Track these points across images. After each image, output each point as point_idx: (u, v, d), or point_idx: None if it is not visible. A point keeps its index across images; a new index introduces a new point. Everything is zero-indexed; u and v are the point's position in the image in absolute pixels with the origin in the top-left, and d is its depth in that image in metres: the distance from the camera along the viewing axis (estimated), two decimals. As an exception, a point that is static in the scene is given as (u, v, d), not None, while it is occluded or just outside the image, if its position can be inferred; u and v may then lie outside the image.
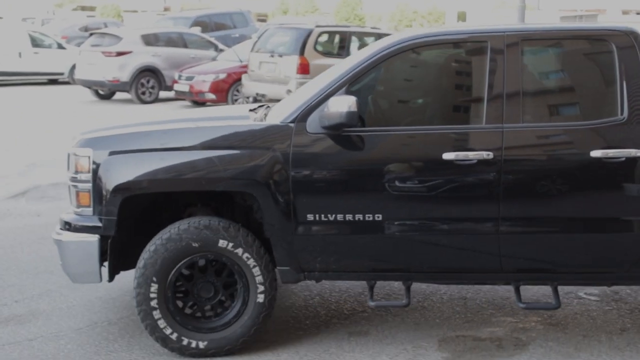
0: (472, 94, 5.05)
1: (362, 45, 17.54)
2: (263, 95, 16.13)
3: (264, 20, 47.02)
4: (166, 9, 58.34)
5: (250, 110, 5.66)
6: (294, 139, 4.82)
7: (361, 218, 4.80)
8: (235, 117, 5.57)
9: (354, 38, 17.20)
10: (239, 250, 4.87)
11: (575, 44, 5.06)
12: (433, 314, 5.66)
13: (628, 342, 5.18)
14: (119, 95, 20.84)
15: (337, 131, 4.75)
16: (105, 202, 4.90)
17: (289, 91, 15.51)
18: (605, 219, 4.78)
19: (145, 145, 4.98)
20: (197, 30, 23.88)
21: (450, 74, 5.34)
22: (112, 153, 4.94)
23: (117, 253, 5.08)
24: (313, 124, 4.83)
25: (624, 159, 4.67)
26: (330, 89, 4.87)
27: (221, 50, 21.16)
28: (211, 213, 5.29)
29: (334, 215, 4.81)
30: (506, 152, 4.71)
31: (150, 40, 20.36)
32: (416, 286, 6.18)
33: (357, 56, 5.18)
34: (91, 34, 21.92)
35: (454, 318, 5.60)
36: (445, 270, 5.00)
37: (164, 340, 4.93)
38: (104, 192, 4.90)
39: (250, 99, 16.93)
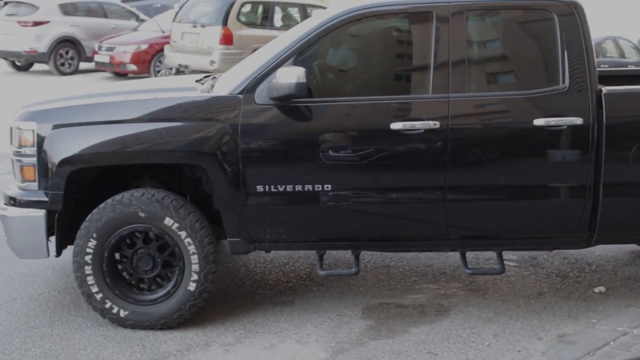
0: (419, 64, 5.05)
1: (286, 15, 17.46)
2: (186, 66, 15.94)
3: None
4: (85, -22, 56.85)
5: (197, 81, 5.58)
6: (243, 110, 4.79)
7: (310, 189, 4.82)
8: (181, 88, 5.48)
9: (277, 8, 17.10)
10: (182, 233, 4.83)
11: (519, 14, 5.10)
12: (357, 283, 5.72)
13: (545, 305, 5.33)
14: (37, 66, 20.32)
15: (285, 102, 4.74)
16: (51, 176, 4.83)
17: (212, 62, 15.36)
18: (548, 185, 4.89)
19: (91, 118, 4.90)
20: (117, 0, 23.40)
21: (396, 44, 5.34)
22: (57, 126, 4.86)
23: (65, 227, 5.02)
24: (261, 95, 4.80)
25: (565, 126, 4.77)
26: (278, 60, 4.85)
27: (142, 21, 20.80)
28: (159, 186, 5.25)
29: (283, 186, 4.82)
30: (452, 121, 4.76)
31: (69, 9, 19.86)
32: (340, 255, 6.25)
33: (304, 26, 5.16)
34: (6, 3, 21.23)
35: (377, 286, 5.68)
36: (393, 239, 5.06)
37: (88, 297, 4.91)
38: (50, 166, 4.83)
39: (173, 70, 16.71)
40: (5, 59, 20.04)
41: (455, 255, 6.18)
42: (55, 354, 4.63)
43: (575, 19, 4.86)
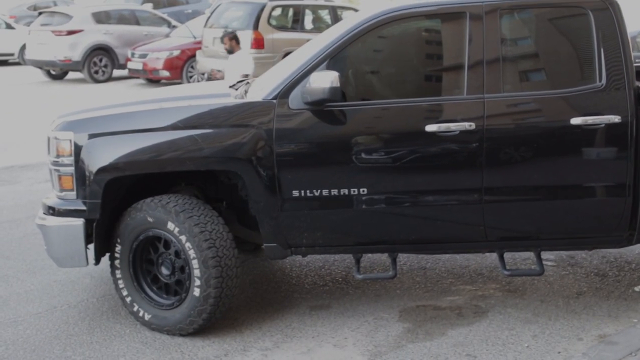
0: (453, 65, 5.00)
1: (316, 18, 17.49)
2: (219, 71, 15.99)
3: (216, -5, 46.50)
4: (117, -14, 57.36)
5: (230, 86, 5.59)
6: (277, 115, 4.80)
7: (346, 192, 4.82)
8: (216, 94, 5.48)
9: (307, 11, 17.13)
10: (183, 238, 4.85)
11: (553, 12, 5.03)
12: (393, 285, 5.70)
13: (584, 305, 5.27)
14: (71, 74, 20.53)
15: (319, 107, 4.73)
16: (89, 185, 4.89)
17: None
18: (587, 184, 4.83)
19: (127, 127, 4.95)
20: (149, 6, 23.61)
21: (430, 45, 5.31)
22: (93, 135, 4.93)
23: (103, 235, 5.06)
24: (295, 100, 4.80)
25: (603, 125, 4.70)
26: (312, 65, 4.84)
27: (174, 27, 20.93)
28: (196, 192, 5.32)
29: (319, 191, 4.82)
30: (488, 122, 4.72)
31: (102, 18, 20.06)
32: (375, 257, 6.23)
33: (336, 30, 5.15)
34: (40, 13, 21.54)
35: (414, 288, 5.65)
36: (430, 241, 5.02)
37: (122, 300, 5.11)
38: (87, 175, 4.89)
39: (205, 76, 16.79)
40: (40, 68, 20.27)
41: (492, 256, 6.14)
42: (94, 361, 4.68)
43: (611, 15, 4.78)
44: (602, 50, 4.77)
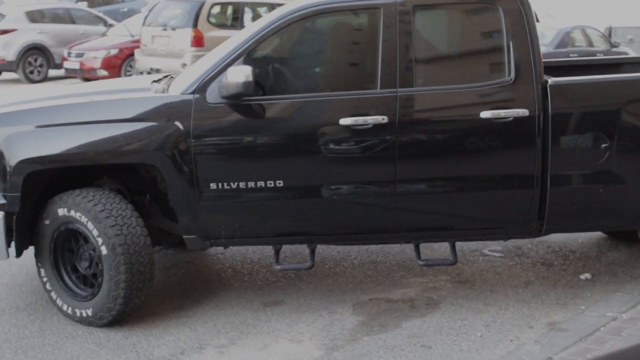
0: (368, 60, 5.09)
1: (256, 16, 17.41)
2: (158, 70, 15.83)
3: (151, -7, 45.97)
4: (48, -16, 56.31)
5: (154, 81, 5.58)
6: (195, 109, 4.86)
7: (263, 185, 4.90)
8: (136, 89, 5.51)
9: (247, 9, 17.04)
10: (91, 226, 4.90)
11: (466, 8, 5.17)
12: (345, 279, 5.74)
13: (533, 294, 5.39)
14: (5, 75, 20.07)
15: (235, 100, 4.81)
16: (9, 179, 4.92)
17: (184, 64, 15.28)
18: (497, 176, 4.96)
19: (45, 121, 5.01)
20: (84, 5, 23.28)
21: (346, 41, 5.38)
22: (13, 130, 4.96)
23: (25, 228, 5.08)
24: (212, 94, 4.87)
25: (512, 118, 4.83)
26: (229, 59, 4.92)
27: (111, 25, 20.64)
28: (118, 186, 5.33)
29: (236, 183, 4.89)
30: (400, 115, 4.83)
31: (36, 16, 19.67)
32: (327, 252, 6.27)
33: (255, 26, 5.21)
34: (-29, 13, 21.00)
35: (366, 282, 5.70)
36: (346, 232, 5.15)
37: (46, 292, 5.19)
38: (7, 169, 4.92)
39: (144, 74, 16.60)
40: (-29, 68, 19.79)
41: (441, 249, 6.23)
42: (48, 363, 4.60)
43: (520, 11, 4.92)
44: (511, 45, 4.89)
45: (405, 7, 4.92)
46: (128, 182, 5.38)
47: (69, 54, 18.08)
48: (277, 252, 5.23)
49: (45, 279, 5.12)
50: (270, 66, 5.15)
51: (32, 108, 5.15)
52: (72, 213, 4.92)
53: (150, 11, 17.11)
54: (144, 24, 16.74)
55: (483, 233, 5.23)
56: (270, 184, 4.89)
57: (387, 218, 5.02)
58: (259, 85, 4.94)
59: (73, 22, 20.52)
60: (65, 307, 5.08)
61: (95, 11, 22.14)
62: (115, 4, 26.40)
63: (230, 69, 4.76)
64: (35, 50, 19.15)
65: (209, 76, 4.92)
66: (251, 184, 4.89)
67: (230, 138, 4.91)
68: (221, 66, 4.91)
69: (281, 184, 4.89)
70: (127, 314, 5.01)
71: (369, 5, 5.01)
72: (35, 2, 23.50)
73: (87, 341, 4.85)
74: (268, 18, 5.14)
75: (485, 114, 4.82)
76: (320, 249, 6.36)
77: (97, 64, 17.51)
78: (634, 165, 4.93)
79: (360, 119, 4.82)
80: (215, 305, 5.34)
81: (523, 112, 4.82)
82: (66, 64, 18.21)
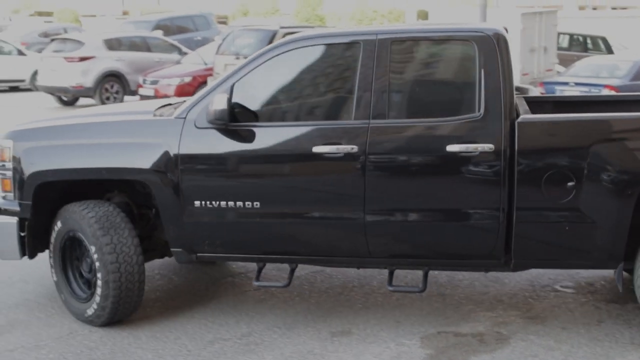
0: (344, 92, 5.35)
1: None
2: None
3: (224, 23, 46.76)
4: (125, 13, 57.81)
5: (167, 105, 5.93)
6: (184, 132, 5.27)
7: (241, 205, 5.22)
8: (140, 112, 5.98)
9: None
10: (88, 242, 5.37)
11: (442, 44, 5.34)
12: (413, 311, 5.70)
13: (606, 333, 5.26)
14: (82, 100, 20.62)
15: (217, 126, 5.18)
16: (23, 188, 5.54)
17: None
18: (464, 209, 5.02)
19: (57, 139, 5.63)
20: (159, 33, 23.75)
21: (325, 73, 5.62)
22: (28, 145, 5.60)
23: (38, 233, 5.67)
24: (200, 119, 5.27)
25: (478, 153, 4.90)
26: (216, 88, 5.32)
27: (185, 54, 21.04)
28: (126, 199, 5.79)
29: (217, 202, 5.25)
30: (370, 146, 5.01)
31: (113, 44, 20.19)
32: (394, 283, 6.23)
33: (248, 58, 5.56)
34: (52, 40, 21.68)
35: (434, 314, 5.65)
36: (319, 255, 5.37)
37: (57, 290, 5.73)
38: (22, 180, 5.54)
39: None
40: (52, 94, 20.38)
41: (511, 283, 6.15)
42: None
43: (494, 48, 5.00)
44: (482, 82, 4.98)
45: (384, 42, 5.14)
46: (135, 197, 5.77)
47: (144, 81, 18.49)
48: (259, 270, 5.52)
49: (55, 280, 5.65)
50: (254, 95, 5.41)
51: (46, 126, 5.83)
52: (72, 222, 5.40)
53: (223, 40, 17.43)
54: (217, 52, 17.05)
55: (453, 264, 5.37)
56: (248, 204, 5.20)
57: (358, 244, 5.17)
58: (250, 112, 5.29)
59: (149, 50, 20.99)
60: (71, 307, 5.62)
61: (170, 40, 22.60)
62: (190, 33, 26.92)
63: (212, 97, 5.19)
64: (112, 77, 19.62)
65: (199, 102, 5.32)
66: (231, 204, 5.23)
67: (212, 160, 5.31)
68: (209, 94, 5.31)
69: (257, 206, 5.18)
70: (121, 314, 5.45)
71: (350, 40, 5.29)
72: (114, 30, 24.19)
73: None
74: (260, 50, 5.50)
75: (452, 148, 4.92)
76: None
77: (170, 91, 17.84)
78: (600, 206, 4.86)
79: (332, 148, 5.04)
80: (282, 334, 5.36)
81: (489, 147, 4.88)
82: (141, 91, 18.61)
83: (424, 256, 5.24)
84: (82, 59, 19.31)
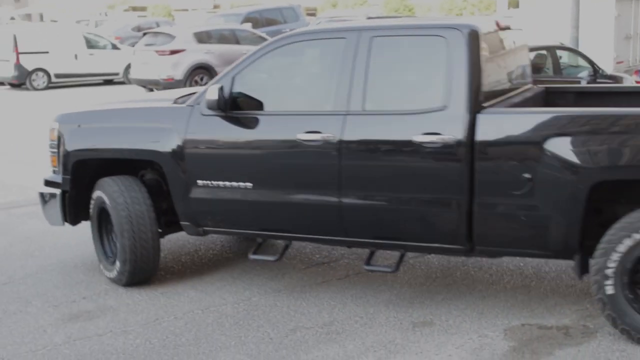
0: (328, 84, 5.66)
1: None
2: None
3: (313, 15, 47.03)
4: (216, 7, 58.73)
5: (193, 93, 6.29)
6: (191, 118, 5.89)
7: (236, 185, 5.77)
8: (163, 99, 6.60)
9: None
10: (111, 211, 6.08)
11: (417, 40, 5.59)
12: (497, 303, 5.62)
13: (699, 328, 5.07)
14: (173, 93, 21.06)
15: (216, 113, 5.74)
16: (64, 165, 6.37)
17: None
18: (428, 197, 5.27)
19: (92, 122, 6.51)
20: (248, 26, 24.04)
21: (314, 66, 6.12)
22: (70, 127, 6.42)
23: (79, 204, 6.47)
24: (203, 107, 5.82)
25: (441, 144, 5.11)
26: (221, 78, 5.84)
27: (273, 46, 21.19)
28: (156, 176, 6.38)
29: (216, 182, 5.83)
30: (346, 135, 5.39)
31: (203, 37, 20.56)
32: (478, 275, 6.17)
33: (249, 52, 6.05)
34: (144, 34, 22.20)
35: (518, 307, 5.56)
36: (304, 233, 5.77)
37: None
38: (64, 157, 6.36)
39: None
40: (144, 86, 20.88)
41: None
42: (201, 371, 4.77)
43: (463, 42, 5.19)
44: (451, 75, 5.18)
45: (366, 38, 5.48)
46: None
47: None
48: (259, 245, 6.10)
49: (95, 247, 6.41)
50: (253, 86, 5.84)
51: (85, 111, 6.75)
52: (100, 194, 6.15)
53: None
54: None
55: (421, 248, 5.61)
56: (241, 185, 5.75)
57: (335, 225, 5.56)
58: (252, 101, 5.74)
59: (238, 42, 21.27)
60: (104, 270, 6.33)
61: (258, 32, 22.85)
62: (278, 25, 27.14)
63: (208, 88, 5.73)
64: (202, 69, 19.97)
65: (203, 92, 5.86)
66: (227, 184, 5.80)
67: (212, 144, 5.92)
68: (212, 84, 5.83)
69: (250, 186, 5.73)
70: (139, 278, 6.13)
71: (336, 36, 5.72)
72: (203, 24, 24.59)
73: (239, 352, 5.00)
74: (259, 46, 6.03)
75: (417, 138, 5.17)
76: (472, 270, 6.28)
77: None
78: (553, 199, 4.95)
79: (313, 135, 5.47)
80: (364, 323, 5.37)
81: (451, 138, 5.09)
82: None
83: (393, 239, 5.50)
84: (173, 52, 19.73)
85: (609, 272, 4.84)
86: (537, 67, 12.00)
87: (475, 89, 5.14)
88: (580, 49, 14.49)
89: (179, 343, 5.17)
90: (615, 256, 4.81)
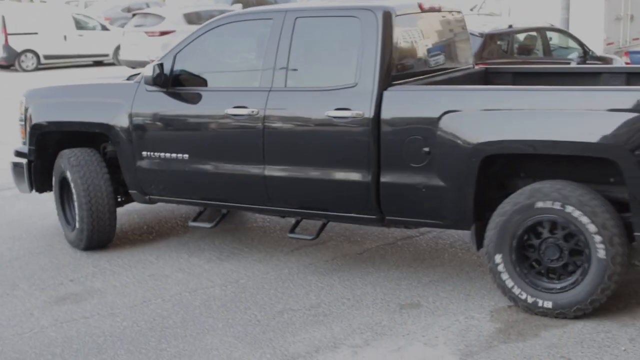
0: (256, 62, 6.17)
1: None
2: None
3: (304, -5, 46.71)
4: (207, -13, 58.27)
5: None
6: (137, 93, 6.35)
7: (175, 156, 6.20)
8: (120, 76, 7.14)
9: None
10: (72, 184, 6.55)
11: (335, 21, 5.90)
12: (483, 285, 5.63)
13: (685, 309, 5.11)
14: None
15: (158, 89, 6.17)
16: (29, 136, 6.84)
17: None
18: (339, 169, 5.62)
19: (54, 97, 7.03)
20: (238, 7, 23.89)
21: (241, 46, 6.60)
22: (35, 101, 6.95)
23: (43, 173, 6.96)
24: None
25: (350, 118, 5.49)
26: (164, 56, 6.23)
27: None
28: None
29: (158, 153, 6.27)
30: (267, 110, 5.80)
31: (193, 18, 20.43)
32: (466, 256, 6.18)
33: (190, 33, 6.46)
34: (134, 15, 22.10)
35: (505, 288, 5.57)
36: (234, 202, 6.22)
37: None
38: (29, 129, 6.84)
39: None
40: (134, 68, 20.72)
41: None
42: (188, 354, 4.77)
43: (375, 22, 5.49)
44: (362, 53, 5.51)
45: (290, 19, 5.85)
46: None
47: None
48: (199, 213, 6.60)
49: (57, 214, 6.94)
50: (192, 64, 6.24)
51: (49, 87, 7.24)
52: (61, 164, 6.63)
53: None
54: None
55: (336, 217, 5.89)
56: (179, 156, 6.17)
57: (260, 194, 5.95)
58: (193, 77, 6.19)
59: (227, 23, 21.13)
60: (66, 236, 6.82)
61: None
62: (268, 6, 26.95)
63: (148, 65, 6.17)
64: (192, 50, 19.82)
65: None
66: (167, 155, 6.23)
67: (153, 117, 6.29)
68: (155, 62, 6.19)
69: (186, 157, 6.15)
70: (96, 242, 6.60)
71: (266, 16, 6.14)
72: (193, 4, 24.42)
73: (226, 334, 5.00)
74: (198, 27, 6.42)
75: (329, 113, 5.57)
76: (460, 252, 6.29)
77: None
78: (448, 172, 5.26)
79: (239, 110, 5.88)
80: (351, 305, 5.38)
81: (359, 113, 5.45)
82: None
83: (313, 208, 5.89)
84: (163, 33, 19.65)
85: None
86: (527, 49, 11.99)
87: (385, 67, 5.47)
88: (571, 31, 14.45)
89: (167, 325, 5.17)
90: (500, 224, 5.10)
